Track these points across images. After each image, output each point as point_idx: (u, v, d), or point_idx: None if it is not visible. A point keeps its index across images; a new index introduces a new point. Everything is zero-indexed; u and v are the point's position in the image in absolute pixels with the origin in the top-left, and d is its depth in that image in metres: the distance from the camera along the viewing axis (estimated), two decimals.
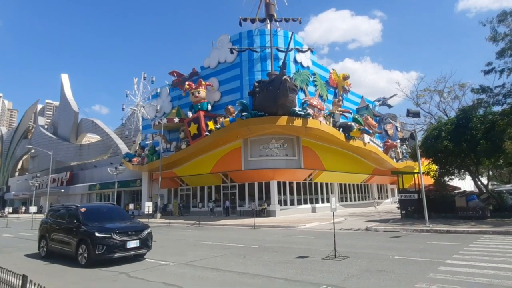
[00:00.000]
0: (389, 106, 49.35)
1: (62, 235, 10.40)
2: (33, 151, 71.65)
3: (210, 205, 32.50)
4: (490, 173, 27.70)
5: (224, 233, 18.67)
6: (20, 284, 5.23)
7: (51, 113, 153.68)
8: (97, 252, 9.08)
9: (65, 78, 72.96)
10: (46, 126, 76.95)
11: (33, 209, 29.27)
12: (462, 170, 23.29)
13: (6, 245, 15.17)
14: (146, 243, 10.12)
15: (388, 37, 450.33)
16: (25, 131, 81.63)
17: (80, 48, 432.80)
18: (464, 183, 38.20)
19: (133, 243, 9.66)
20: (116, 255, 9.39)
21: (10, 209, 36.82)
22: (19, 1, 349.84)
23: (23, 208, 59.32)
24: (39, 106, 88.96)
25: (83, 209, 10.51)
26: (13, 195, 69.47)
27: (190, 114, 33.27)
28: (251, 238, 15.47)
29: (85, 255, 9.27)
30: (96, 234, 9.24)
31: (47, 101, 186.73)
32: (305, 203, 32.61)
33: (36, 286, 4.35)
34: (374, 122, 40.88)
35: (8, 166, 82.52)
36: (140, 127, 42.57)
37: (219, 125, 29.83)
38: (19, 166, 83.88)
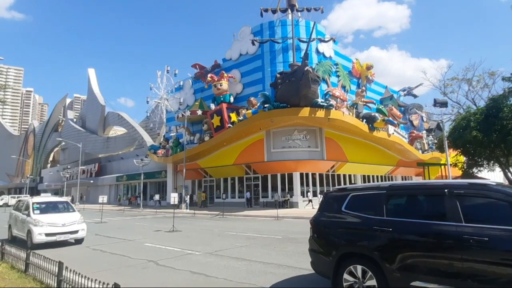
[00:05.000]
0: (415, 96, 48.14)
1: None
2: (63, 143, 74.49)
3: (247, 194, 32.06)
4: None
5: (248, 224, 18.97)
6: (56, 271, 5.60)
7: (79, 106, 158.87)
8: None
9: (92, 72, 75.16)
10: (74, 120, 79.69)
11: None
12: (492, 162, 22.54)
13: None
14: None
15: (417, 23, 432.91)
16: (55, 124, 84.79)
17: (105, 42, 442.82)
18: (494, 175, 36.98)
19: None
20: None
21: None
22: None
23: None
24: (68, 100, 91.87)
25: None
26: (46, 186, 72.74)
27: (212, 106, 33.64)
28: (274, 229, 15.69)
29: None
30: None
31: (75, 95, 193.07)
32: None
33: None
34: (398, 113, 40.03)
35: (40, 158, 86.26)
36: (164, 120, 43.40)
37: (242, 117, 30.04)
38: (50, 158, 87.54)
